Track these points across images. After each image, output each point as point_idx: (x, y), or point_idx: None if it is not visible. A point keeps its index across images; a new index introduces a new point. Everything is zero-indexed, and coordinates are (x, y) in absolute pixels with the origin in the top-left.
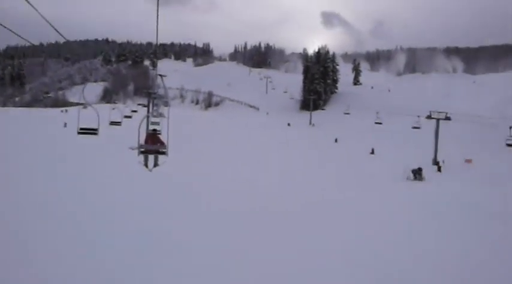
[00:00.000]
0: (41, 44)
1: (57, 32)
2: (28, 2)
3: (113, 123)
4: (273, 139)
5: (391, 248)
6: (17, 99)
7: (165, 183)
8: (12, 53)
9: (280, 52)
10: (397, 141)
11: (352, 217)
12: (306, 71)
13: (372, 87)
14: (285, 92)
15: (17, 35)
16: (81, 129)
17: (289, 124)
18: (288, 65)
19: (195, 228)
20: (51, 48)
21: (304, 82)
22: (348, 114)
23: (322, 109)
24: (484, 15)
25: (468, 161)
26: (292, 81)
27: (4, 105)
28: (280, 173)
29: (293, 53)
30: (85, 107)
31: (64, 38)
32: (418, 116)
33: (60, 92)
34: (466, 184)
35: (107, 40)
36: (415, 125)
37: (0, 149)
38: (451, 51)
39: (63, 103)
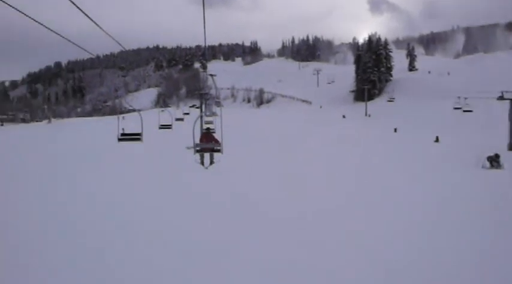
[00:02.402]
0: (98, 56)
1: (119, 43)
2: (89, 18)
3: (163, 127)
4: (330, 133)
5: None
6: (79, 109)
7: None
8: (73, 67)
9: (329, 43)
10: (462, 127)
11: (434, 213)
12: (358, 61)
13: (429, 72)
14: (333, 82)
15: (83, 48)
16: (123, 135)
17: (344, 116)
18: (338, 56)
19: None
20: (106, 59)
21: (356, 72)
22: (392, 100)
23: (391, 100)
24: None
25: None
26: (344, 72)
27: (68, 116)
28: (343, 167)
29: (342, 44)
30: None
31: (123, 48)
32: (466, 98)
33: (117, 100)
34: None
35: (157, 47)
36: (466, 108)
37: (62, 152)
38: None
39: (120, 111)
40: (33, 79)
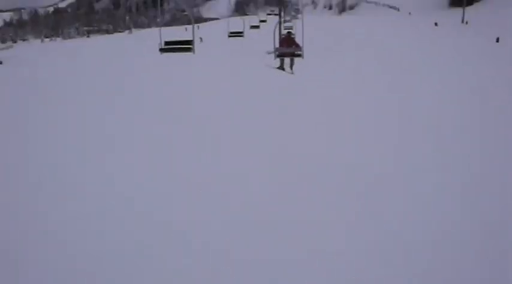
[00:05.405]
0: None
1: None
2: None
3: (233, 34)
4: (417, 42)
5: None
6: (158, 19)
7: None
8: None
9: None
10: None
11: None
12: None
13: None
14: None
15: None
16: (167, 43)
17: (436, 24)
18: None
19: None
20: None
21: None
22: None
23: None
24: None
25: None
26: None
27: (148, 26)
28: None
29: None
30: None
31: None
32: None
33: (195, 9)
34: None
35: None
36: None
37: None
38: None
39: (198, 19)
40: None
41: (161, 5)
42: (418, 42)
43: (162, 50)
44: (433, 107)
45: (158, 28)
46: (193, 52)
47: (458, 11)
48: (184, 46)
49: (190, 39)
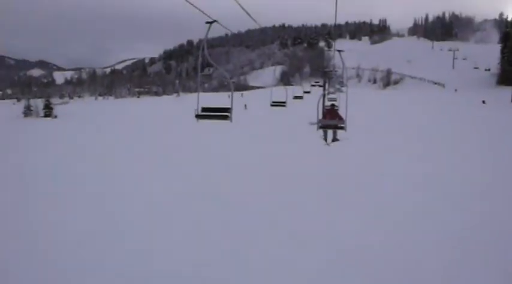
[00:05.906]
0: (226, 35)
1: (254, 21)
2: None
3: (275, 104)
4: (464, 123)
5: None
6: (206, 85)
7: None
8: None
9: (469, 21)
10: None
11: None
12: (506, 39)
13: None
14: (476, 68)
15: (223, 26)
16: (204, 109)
17: (483, 102)
18: (479, 34)
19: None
20: (234, 38)
21: (502, 52)
22: None
23: None
24: None
25: None
26: (485, 53)
27: (196, 90)
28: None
29: (486, 21)
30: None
31: (259, 25)
32: None
33: (242, 77)
34: None
35: (283, 26)
36: None
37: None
38: None
39: (243, 87)
40: (168, 56)
41: (203, 70)
42: (465, 123)
43: (198, 116)
44: (487, 193)
45: (203, 93)
46: (231, 120)
47: (506, 89)
48: (221, 114)
49: (228, 106)
